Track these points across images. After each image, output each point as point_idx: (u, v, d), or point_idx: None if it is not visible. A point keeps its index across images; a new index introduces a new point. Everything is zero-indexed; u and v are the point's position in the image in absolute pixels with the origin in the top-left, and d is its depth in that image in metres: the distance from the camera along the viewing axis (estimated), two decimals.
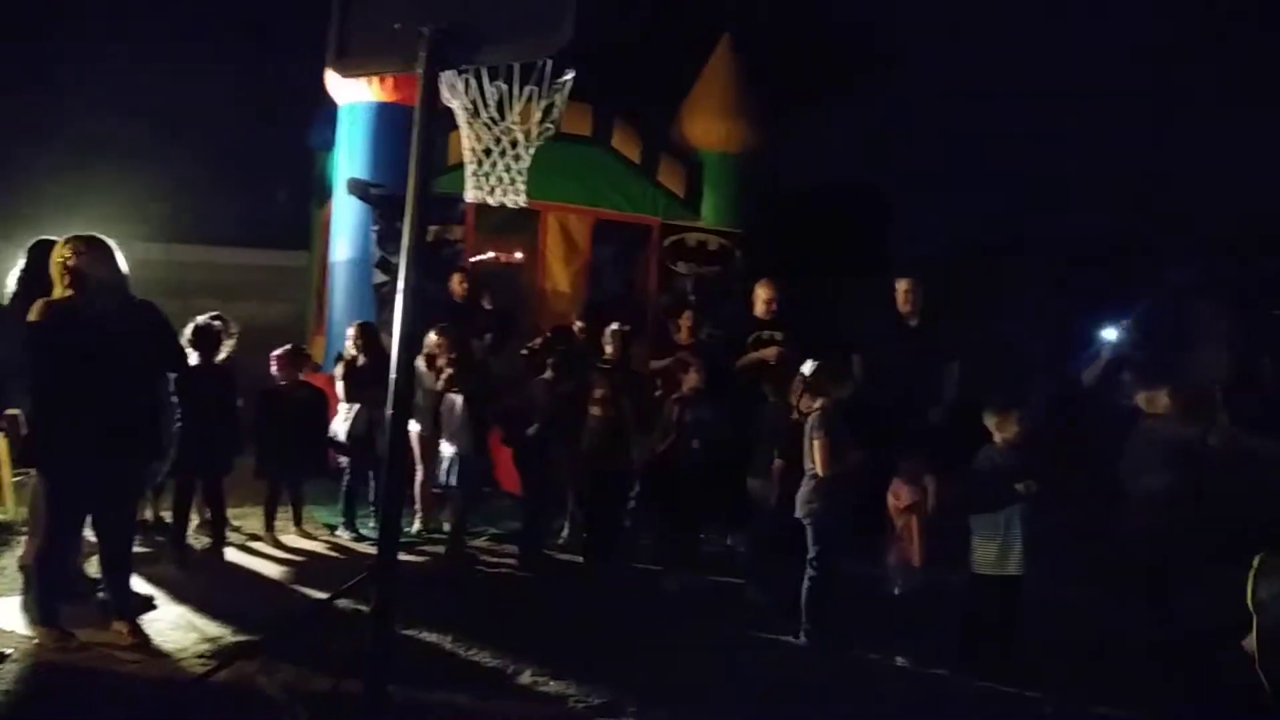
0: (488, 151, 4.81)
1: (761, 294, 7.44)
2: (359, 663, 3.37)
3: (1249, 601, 4.30)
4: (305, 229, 12.53)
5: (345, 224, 9.43)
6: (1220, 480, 5.30)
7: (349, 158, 9.40)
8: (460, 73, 4.42)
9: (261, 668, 4.35)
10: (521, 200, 4.92)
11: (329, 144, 10.23)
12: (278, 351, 7.11)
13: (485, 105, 4.58)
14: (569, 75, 4.73)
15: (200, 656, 4.67)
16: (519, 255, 9.53)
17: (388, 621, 3.63)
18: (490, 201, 4.96)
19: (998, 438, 5.11)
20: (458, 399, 6.67)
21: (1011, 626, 5.01)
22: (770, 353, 7.18)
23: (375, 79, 8.88)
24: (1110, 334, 7.25)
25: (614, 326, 7.31)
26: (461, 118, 4.75)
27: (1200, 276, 11.21)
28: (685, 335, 7.86)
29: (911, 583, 5.12)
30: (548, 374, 6.90)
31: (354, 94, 9.23)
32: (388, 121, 9.15)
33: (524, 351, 7.27)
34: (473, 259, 9.10)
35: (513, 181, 4.81)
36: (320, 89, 9.48)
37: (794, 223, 11.59)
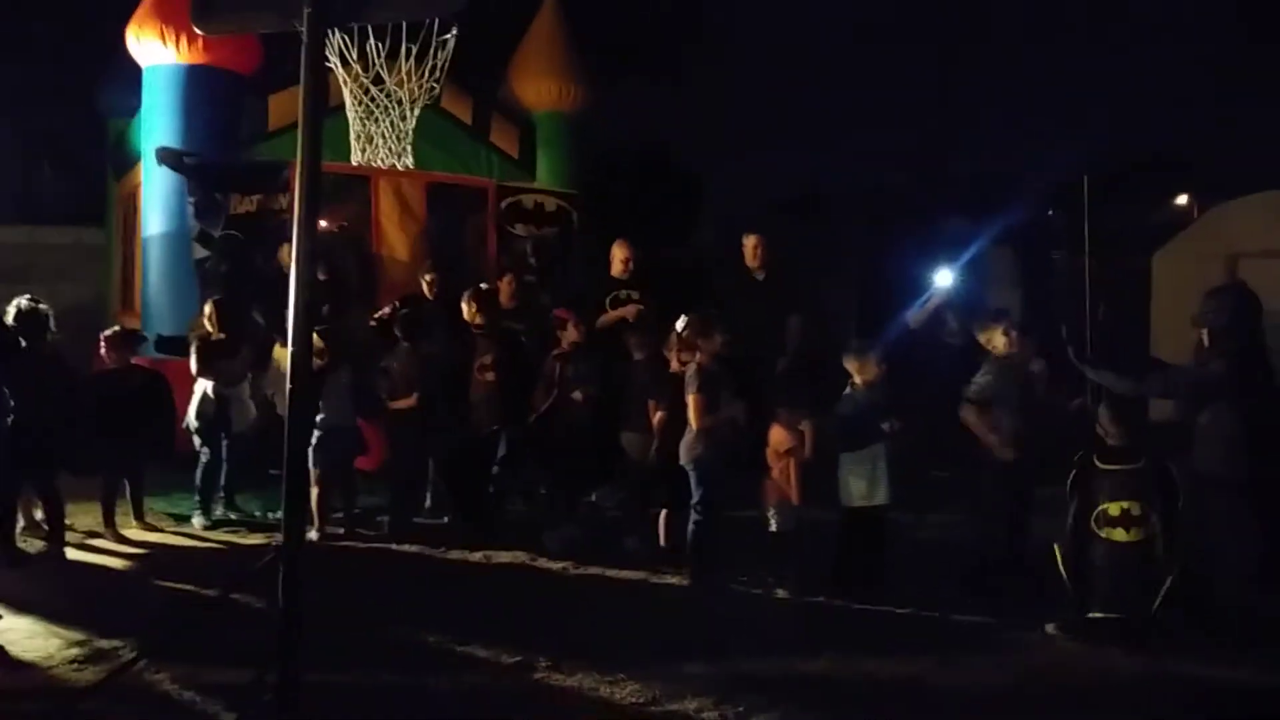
0: (369, 114, 4.62)
1: (618, 253, 7.54)
2: (259, 653, 3.26)
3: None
4: (102, 202, 11.51)
5: (157, 196, 8.77)
6: (1052, 406, 5.91)
7: (154, 125, 8.71)
8: (334, 31, 4.21)
9: (151, 668, 4.10)
10: (410, 163, 4.75)
11: (123, 110, 9.44)
12: (106, 333, 6.60)
13: (361, 66, 4.39)
14: (453, 33, 4.59)
15: (73, 663, 4.35)
16: (344, 223, 9.16)
17: (297, 604, 3.53)
18: (381, 166, 4.75)
19: (858, 380, 5.47)
20: (340, 374, 6.46)
21: (881, 551, 5.43)
22: (630, 310, 7.31)
23: (182, 39, 8.27)
24: (936, 280, 7.77)
25: (481, 287, 7.19)
26: (340, 79, 4.51)
27: (999, 227, 12.15)
28: (507, 298, 7.77)
29: (789, 521, 5.41)
30: (405, 343, 6.75)
31: (157, 56, 8.55)
32: (197, 85, 8.53)
33: (373, 322, 7.05)
34: None
35: (399, 142, 4.63)
36: (111, 50, 8.72)
37: (629, 183, 11.73)
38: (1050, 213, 15.47)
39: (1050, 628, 4.80)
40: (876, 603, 5.25)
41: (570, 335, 6.52)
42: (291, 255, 3.53)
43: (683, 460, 5.50)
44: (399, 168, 4.80)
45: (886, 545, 5.51)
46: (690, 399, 5.35)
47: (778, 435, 5.40)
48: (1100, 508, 4.66)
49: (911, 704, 4.04)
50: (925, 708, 4.03)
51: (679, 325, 5.69)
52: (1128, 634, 4.57)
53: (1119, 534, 4.62)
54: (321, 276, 8.07)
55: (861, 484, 5.34)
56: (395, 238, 9.31)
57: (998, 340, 5.50)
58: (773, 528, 5.49)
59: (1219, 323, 4.91)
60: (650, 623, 5.05)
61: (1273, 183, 11.09)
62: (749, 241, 7.40)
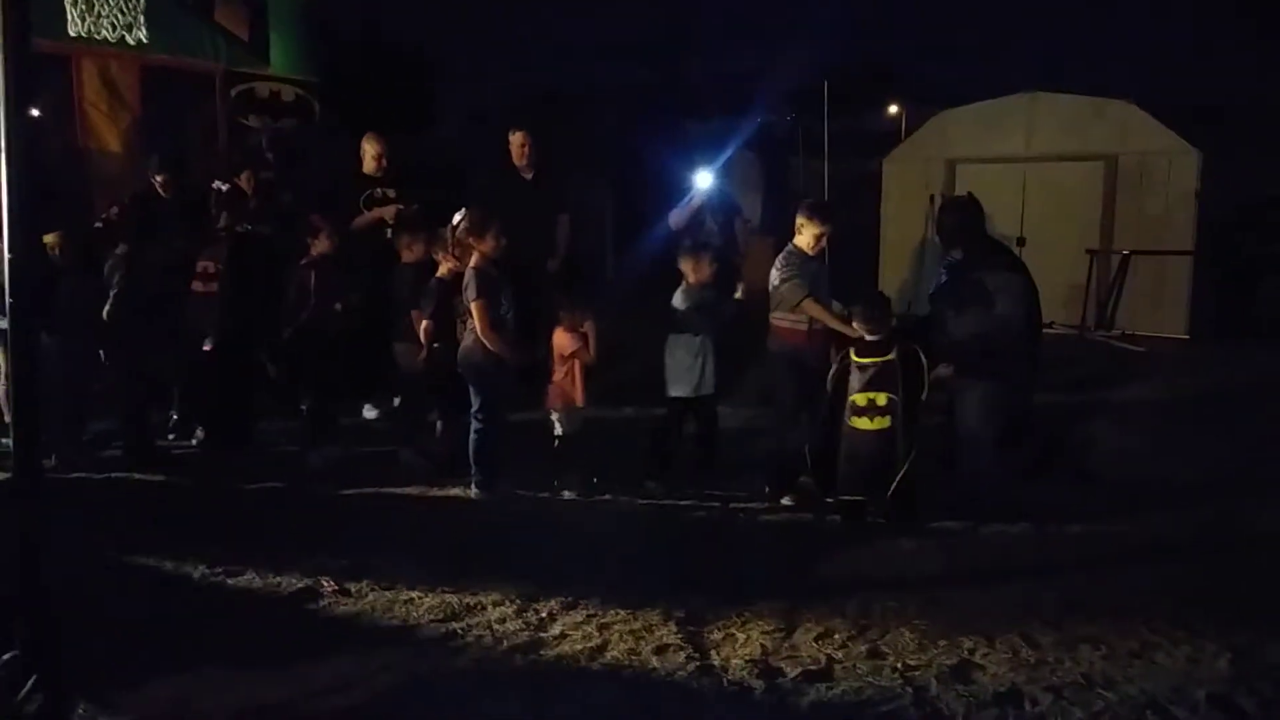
0: None
1: (369, 149, 7.02)
2: None
3: None
4: None
5: None
6: None
7: None
8: None
9: None
10: (143, 37, 4.04)
11: None
12: None
13: None
14: None
15: None
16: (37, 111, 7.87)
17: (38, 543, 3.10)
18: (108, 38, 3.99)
19: (692, 279, 5.56)
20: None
21: (714, 439, 5.68)
22: (388, 211, 6.86)
23: None
24: (696, 181, 7.83)
25: (217, 185, 6.44)
26: None
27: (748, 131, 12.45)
28: (250, 196, 7.09)
29: (575, 423, 5.38)
30: (121, 247, 5.95)
31: None
32: None
33: (98, 224, 6.15)
34: None
35: (124, 11, 3.91)
36: None
37: (376, 72, 10.91)
38: (791, 118, 16.12)
39: (787, 499, 5.21)
40: (662, 498, 5.38)
41: (321, 245, 5.98)
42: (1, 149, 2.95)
43: (461, 367, 5.27)
44: (129, 41, 4.07)
45: (715, 434, 5.69)
46: (473, 305, 5.09)
47: (561, 339, 5.30)
48: (851, 399, 4.95)
49: (703, 589, 4.11)
50: (713, 590, 4.10)
51: (455, 223, 5.36)
52: (863, 513, 4.96)
53: (863, 422, 4.92)
54: None
55: (691, 375, 5.47)
56: (104, 128, 8.13)
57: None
58: (557, 431, 5.44)
59: (956, 229, 5.34)
60: (437, 536, 4.86)
61: (979, 94, 12.09)
62: (515, 138, 7.10)
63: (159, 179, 6.63)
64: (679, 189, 8.01)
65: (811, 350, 5.33)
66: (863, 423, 4.92)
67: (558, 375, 5.34)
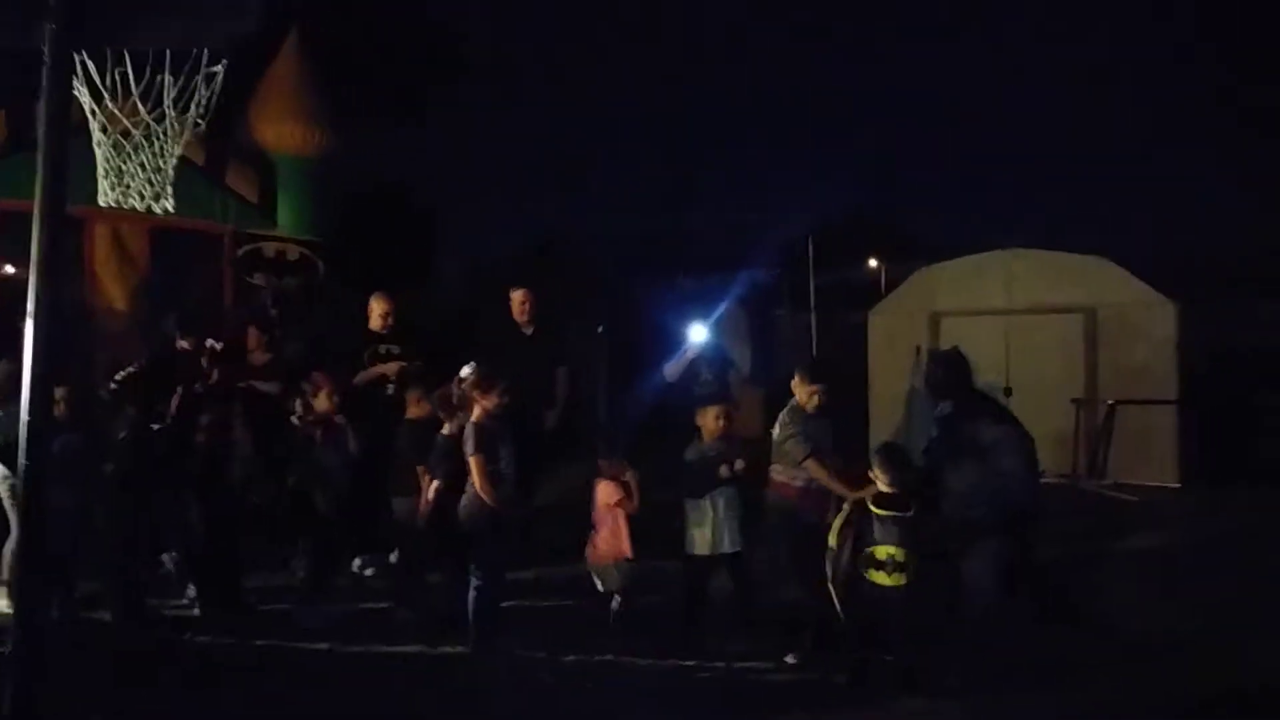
0: (116, 148, 4.06)
1: (376, 308, 7.19)
2: None
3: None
4: None
5: None
6: None
7: None
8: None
9: None
10: (170, 206, 4.23)
11: None
12: None
13: (110, 94, 3.86)
14: (223, 64, 4.14)
15: None
16: (9, 269, 7.98)
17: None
18: (137, 206, 4.20)
19: (705, 432, 5.50)
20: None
21: (745, 598, 5.44)
22: (391, 367, 6.98)
23: None
24: (691, 335, 8.01)
25: (210, 344, 6.56)
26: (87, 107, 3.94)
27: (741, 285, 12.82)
28: (258, 353, 7.27)
29: (625, 578, 5.33)
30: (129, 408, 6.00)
31: None
32: None
33: (114, 385, 6.20)
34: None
35: (152, 183, 4.11)
36: None
37: (375, 230, 11.28)
38: (777, 272, 16.63)
39: (791, 659, 5.04)
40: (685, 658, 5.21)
41: (321, 404, 6.04)
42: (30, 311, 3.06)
43: (461, 522, 5.25)
44: (156, 210, 4.27)
45: (746, 593, 5.47)
46: (471, 460, 5.12)
47: (604, 490, 5.30)
48: (868, 551, 4.82)
49: None
50: None
51: (463, 377, 5.44)
52: (894, 677, 4.77)
53: (881, 577, 4.77)
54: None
55: (705, 533, 5.30)
56: (112, 287, 8.34)
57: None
58: (600, 588, 5.39)
59: (945, 383, 5.46)
60: (432, 698, 4.73)
61: (956, 247, 12.55)
62: (516, 295, 7.32)
63: (184, 341, 6.72)
64: (671, 339, 8.20)
65: (806, 506, 5.31)
66: (881, 577, 4.76)
67: (602, 529, 5.31)
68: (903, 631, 4.78)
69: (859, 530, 4.89)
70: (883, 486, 4.90)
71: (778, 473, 5.39)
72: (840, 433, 5.73)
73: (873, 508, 4.84)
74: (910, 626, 4.76)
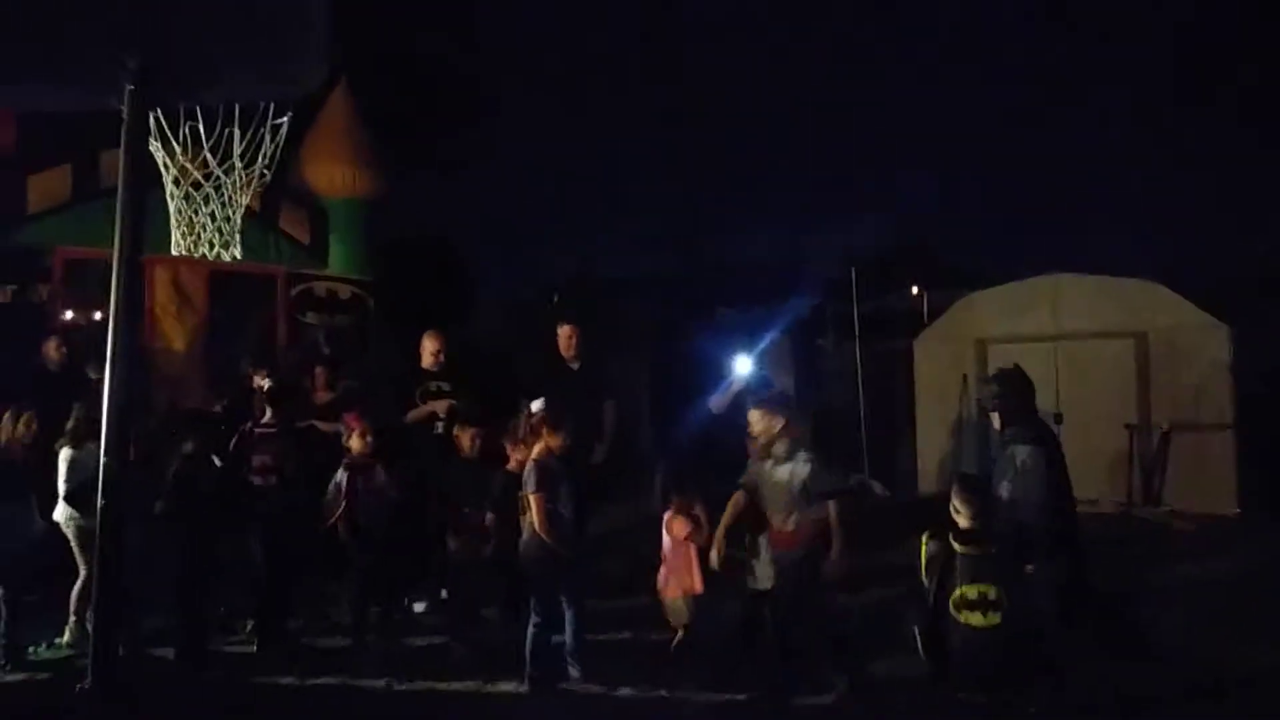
0: (188, 198, 4.22)
1: (429, 345, 7.30)
2: None
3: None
4: None
5: None
6: None
7: None
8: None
9: None
10: (238, 253, 4.38)
11: None
12: None
13: (182, 148, 4.02)
14: (288, 116, 4.30)
15: None
16: (97, 315, 8.30)
17: None
18: (206, 254, 4.35)
19: (758, 430, 5.38)
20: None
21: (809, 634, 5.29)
22: (442, 405, 7.07)
23: None
24: (736, 367, 8.05)
25: (259, 383, 6.69)
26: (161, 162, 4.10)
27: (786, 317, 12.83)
28: (322, 392, 7.46)
29: (692, 612, 5.35)
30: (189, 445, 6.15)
31: None
32: None
33: (216, 415, 6.36)
34: (67, 320, 7.83)
35: (222, 232, 4.26)
36: None
37: (422, 270, 11.49)
38: (820, 302, 16.59)
39: (839, 690, 4.96)
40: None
41: (356, 445, 6.12)
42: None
43: (521, 560, 5.30)
44: (225, 258, 4.42)
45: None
46: (532, 498, 5.17)
47: (676, 524, 5.33)
48: (959, 591, 4.63)
49: None
50: None
51: (531, 413, 5.50)
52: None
53: (975, 618, 4.59)
54: (94, 375, 7.30)
55: (765, 567, 5.24)
56: (172, 330, 8.58)
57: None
58: (672, 622, 5.41)
59: (1008, 404, 5.39)
60: None
61: (998, 274, 12.45)
62: (564, 331, 7.39)
63: (265, 383, 6.87)
64: (715, 372, 8.23)
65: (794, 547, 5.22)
66: (976, 619, 4.58)
67: (672, 561, 5.34)
68: (998, 669, 4.59)
69: (943, 569, 4.70)
70: (964, 522, 4.70)
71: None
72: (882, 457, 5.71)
73: (956, 545, 4.64)
74: (1007, 665, 4.58)
